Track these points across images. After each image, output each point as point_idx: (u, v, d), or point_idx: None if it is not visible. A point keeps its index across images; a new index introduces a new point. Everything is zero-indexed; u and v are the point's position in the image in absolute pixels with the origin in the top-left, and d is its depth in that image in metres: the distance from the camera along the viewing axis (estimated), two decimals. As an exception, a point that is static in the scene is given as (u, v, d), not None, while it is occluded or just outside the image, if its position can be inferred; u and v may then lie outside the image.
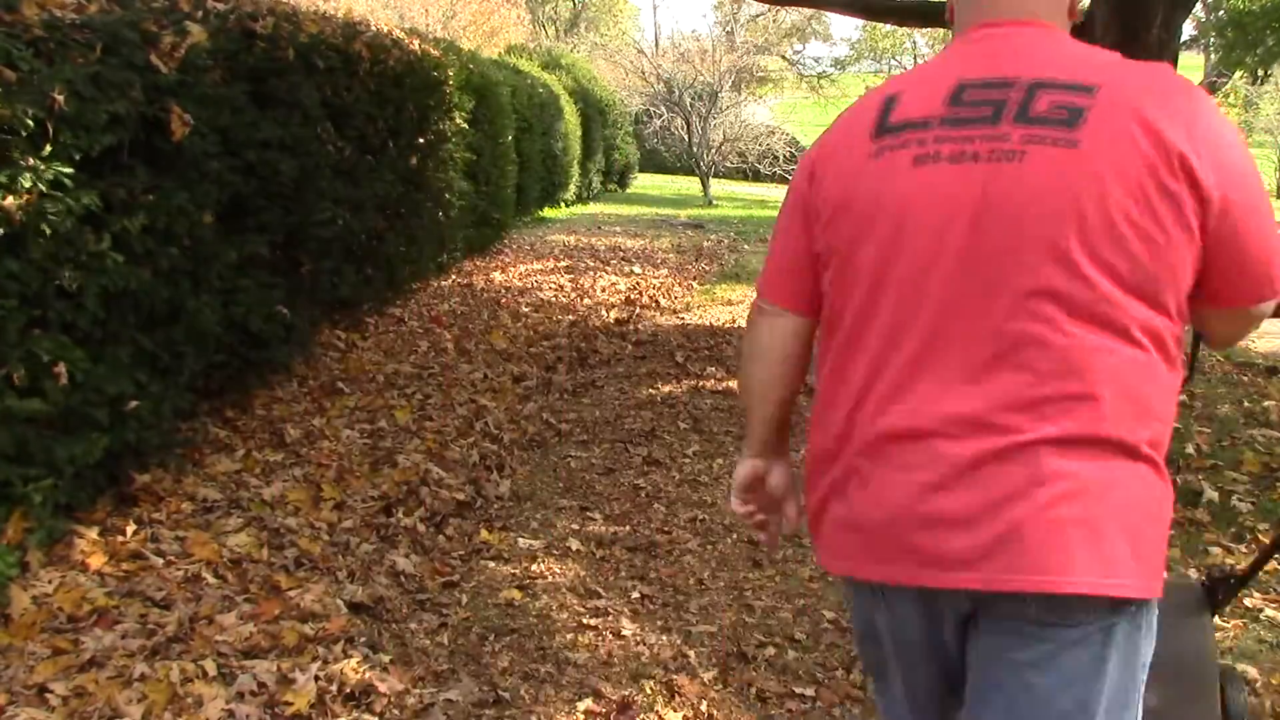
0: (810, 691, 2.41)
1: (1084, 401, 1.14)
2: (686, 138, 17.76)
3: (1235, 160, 1.19)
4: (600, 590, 2.92)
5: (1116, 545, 1.13)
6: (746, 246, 10.96)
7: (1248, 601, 2.85)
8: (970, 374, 1.17)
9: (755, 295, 1.46)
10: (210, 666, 2.37)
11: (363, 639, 2.59)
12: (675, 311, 7.18)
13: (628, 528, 3.38)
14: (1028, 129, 1.16)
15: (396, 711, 2.30)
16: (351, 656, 2.48)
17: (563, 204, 13.36)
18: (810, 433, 1.36)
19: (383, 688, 2.36)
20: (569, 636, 2.64)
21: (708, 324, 6.79)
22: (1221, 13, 19.90)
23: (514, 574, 3.05)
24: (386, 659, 2.51)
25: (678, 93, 17.56)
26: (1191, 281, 1.21)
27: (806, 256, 1.34)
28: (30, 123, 2.55)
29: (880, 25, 35.81)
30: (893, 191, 1.21)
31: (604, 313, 7.00)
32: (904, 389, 1.20)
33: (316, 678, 2.36)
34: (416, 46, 6.03)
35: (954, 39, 1.33)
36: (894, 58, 46.97)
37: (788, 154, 19.89)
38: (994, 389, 1.15)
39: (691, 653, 2.57)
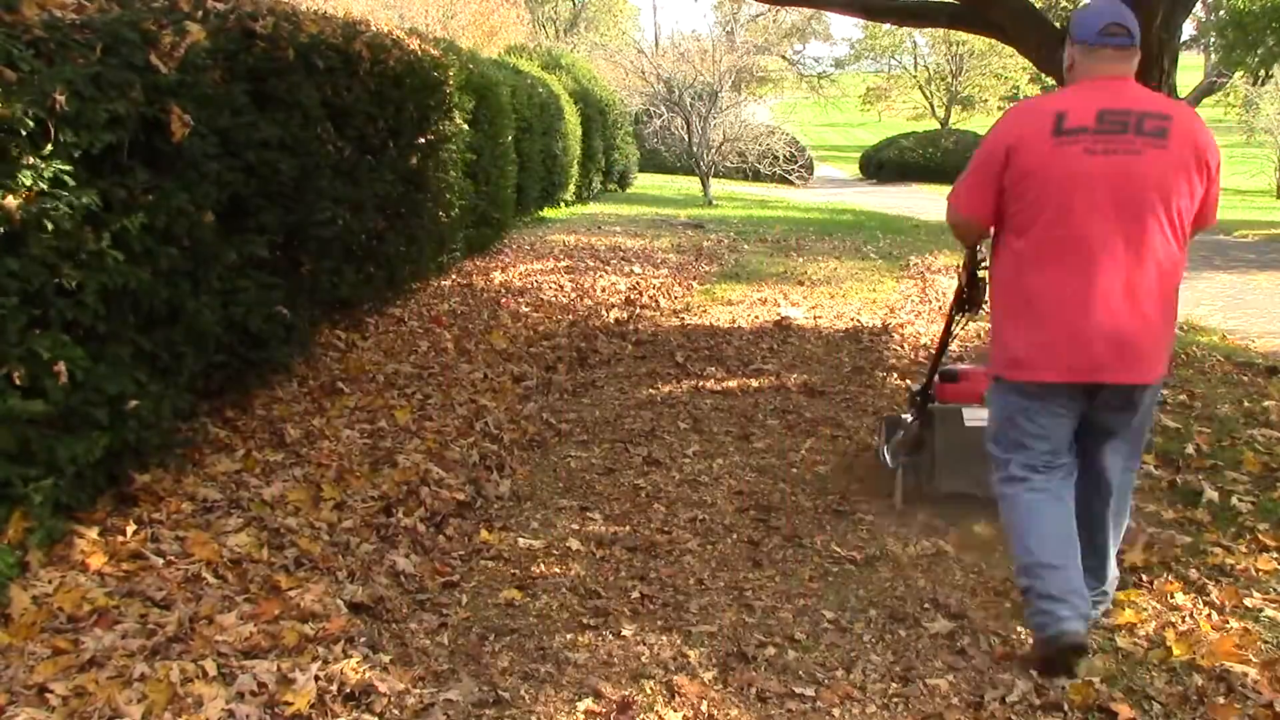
0: (810, 691, 2.41)
1: (1169, 273, 2.52)
2: (686, 138, 17.75)
3: (1218, 158, 2.50)
4: (600, 590, 2.92)
5: (1165, 354, 2.57)
6: (746, 246, 10.96)
7: (1248, 601, 2.85)
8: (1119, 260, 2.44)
9: (950, 196, 2.76)
10: (210, 666, 2.37)
11: (363, 639, 2.59)
12: (675, 311, 7.18)
13: (628, 528, 3.38)
14: (1143, 139, 2.42)
15: (396, 711, 2.30)
16: (351, 656, 2.48)
17: (563, 204, 13.36)
18: (1009, 298, 2.60)
19: (383, 688, 2.36)
20: (569, 636, 2.64)
21: (708, 324, 6.79)
22: (1221, 13, 19.89)
23: (514, 574, 3.05)
24: (386, 659, 2.51)
25: (678, 93, 17.56)
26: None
27: (992, 192, 2.57)
28: (31, 122, 2.55)
29: (880, 25, 35.78)
30: (1072, 168, 2.43)
31: (604, 313, 7.00)
32: (1086, 269, 2.44)
33: (316, 678, 2.36)
34: (416, 46, 6.03)
35: (1082, 82, 2.54)
36: (894, 57, 46.90)
37: (787, 154, 19.89)
38: (1131, 267, 2.46)
39: (691, 653, 2.57)
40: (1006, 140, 2.48)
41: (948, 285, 8.60)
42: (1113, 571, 2.73)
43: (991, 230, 2.68)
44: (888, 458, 3.59)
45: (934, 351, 3.62)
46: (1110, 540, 2.68)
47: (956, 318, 3.21)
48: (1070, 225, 2.42)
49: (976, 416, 3.24)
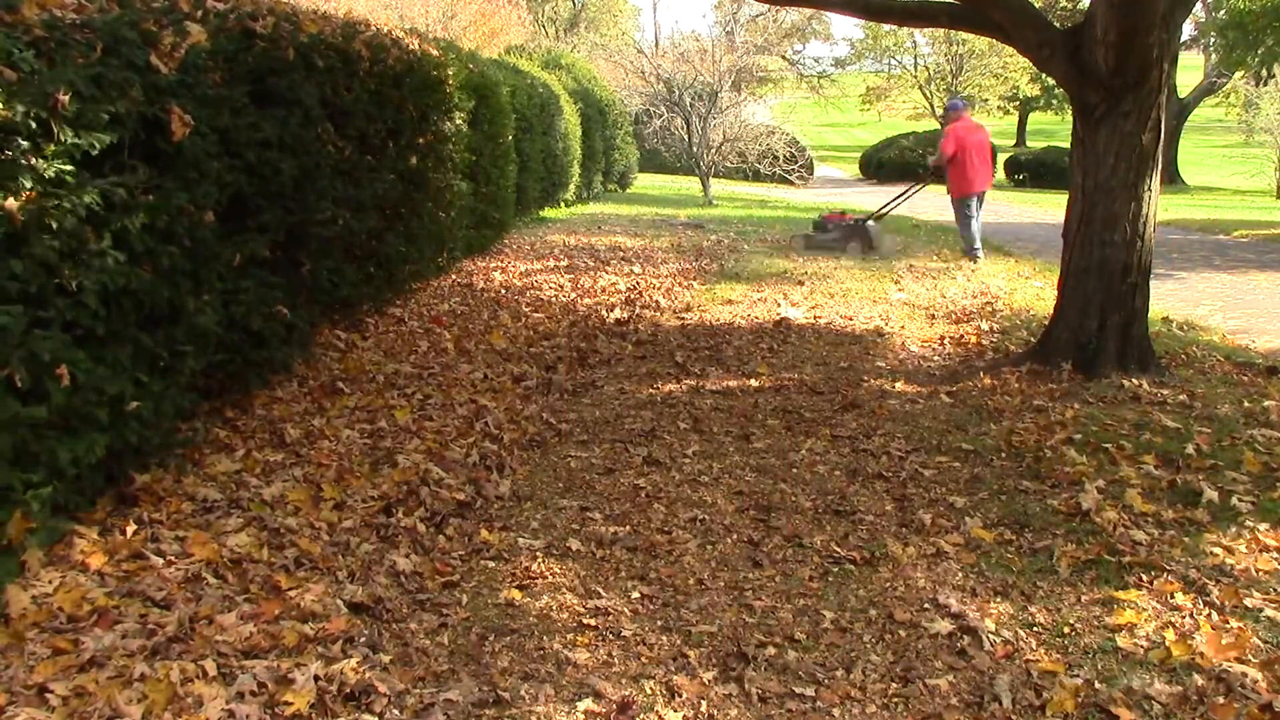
0: (810, 691, 2.41)
1: None
2: (686, 138, 17.75)
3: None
4: (600, 590, 2.92)
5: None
6: (746, 246, 10.96)
7: (1248, 601, 2.85)
8: None
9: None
10: (210, 666, 2.37)
11: (363, 639, 2.59)
12: (675, 311, 7.18)
13: (628, 528, 3.37)
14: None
15: (396, 711, 2.30)
16: (351, 656, 2.48)
17: (563, 204, 13.36)
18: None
19: (383, 688, 2.36)
20: (569, 636, 2.64)
21: (708, 324, 6.79)
22: (1222, 13, 19.89)
23: (514, 574, 3.05)
24: (386, 659, 2.51)
25: (678, 93, 17.56)
26: None
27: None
28: (32, 122, 2.55)
29: (880, 25, 35.78)
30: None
31: (604, 313, 7.00)
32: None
33: (316, 678, 2.36)
34: (416, 46, 6.03)
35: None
36: (894, 57, 46.92)
37: (787, 154, 19.88)
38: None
39: (691, 653, 2.57)
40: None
41: (947, 285, 8.60)
42: None
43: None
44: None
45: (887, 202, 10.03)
46: None
47: (916, 185, 9.86)
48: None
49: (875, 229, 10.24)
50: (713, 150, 17.60)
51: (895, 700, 2.40)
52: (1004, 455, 4.11)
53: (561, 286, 7.91)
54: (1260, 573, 3.04)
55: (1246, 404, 4.77)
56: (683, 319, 6.93)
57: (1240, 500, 3.55)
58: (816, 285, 8.49)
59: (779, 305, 7.52)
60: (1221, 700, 2.37)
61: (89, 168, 2.79)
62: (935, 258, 10.41)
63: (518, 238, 10.39)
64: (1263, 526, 3.34)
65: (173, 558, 2.88)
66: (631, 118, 19.12)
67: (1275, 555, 3.15)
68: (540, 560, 3.13)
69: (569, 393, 5.02)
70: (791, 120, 23.52)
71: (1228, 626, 2.72)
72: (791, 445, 4.26)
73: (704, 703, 2.35)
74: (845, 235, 10.58)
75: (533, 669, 2.51)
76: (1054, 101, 39.31)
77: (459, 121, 6.98)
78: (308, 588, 2.80)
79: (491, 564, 3.12)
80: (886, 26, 36.21)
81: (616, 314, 6.96)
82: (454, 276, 7.80)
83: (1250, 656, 2.55)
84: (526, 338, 6.10)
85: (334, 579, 2.90)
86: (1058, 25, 5.62)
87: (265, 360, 4.16)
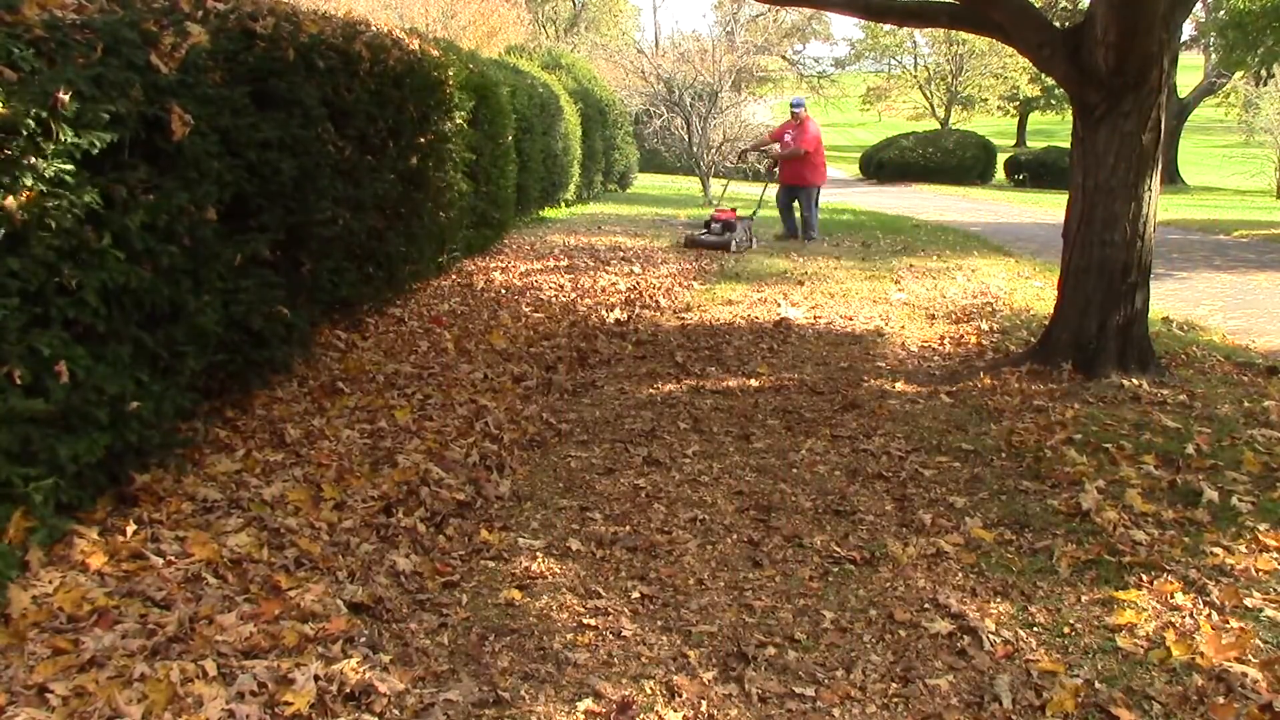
0: (810, 691, 2.41)
1: None
2: (686, 138, 17.75)
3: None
4: (600, 590, 2.92)
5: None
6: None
7: (1248, 601, 2.85)
8: None
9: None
10: (210, 667, 2.37)
11: (363, 639, 2.59)
12: (675, 311, 7.18)
13: (628, 528, 3.37)
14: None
15: (396, 711, 2.30)
16: (351, 656, 2.48)
17: (563, 204, 13.35)
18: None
19: (383, 688, 2.36)
20: (569, 636, 2.64)
21: (708, 324, 6.79)
22: (1222, 13, 19.89)
23: (514, 574, 3.05)
24: (386, 659, 2.51)
25: (678, 93, 17.56)
26: None
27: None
28: (32, 122, 2.55)
29: (881, 25, 35.77)
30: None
31: (604, 313, 7.00)
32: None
33: (316, 678, 2.36)
34: (416, 46, 6.03)
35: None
36: (894, 57, 46.92)
37: (788, 154, 19.86)
38: None
39: (691, 653, 2.57)
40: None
41: (947, 285, 8.60)
42: None
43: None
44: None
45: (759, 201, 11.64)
46: None
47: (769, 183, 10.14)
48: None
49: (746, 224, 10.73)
50: (713, 150, 17.60)
51: (895, 700, 2.40)
52: (1004, 455, 4.11)
53: (561, 286, 7.91)
54: (1260, 573, 3.04)
55: (1246, 404, 4.77)
56: (683, 319, 6.93)
57: (1240, 500, 3.55)
58: (816, 285, 8.49)
59: (779, 305, 7.52)
60: (1221, 700, 2.37)
61: (89, 167, 2.79)
62: (935, 258, 10.41)
63: (518, 238, 10.39)
64: (1263, 526, 3.34)
65: (173, 558, 2.88)
66: (631, 118, 19.12)
67: (1275, 555, 3.15)
68: (540, 560, 3.13)
69: (569, 393, 5.02)
70: (791, 120, 23.47)
71: (1228, 626, 2.72)
72: (791, 445, 4.26)
73: (704, 703, 2.35)
74: (720, 232, 10.58)
75: (533, 669, 2.51)
76: (1054, 101, 39.31)
77: (459, 121, 6.98)
78: (308, 588, 2.80)
79: (491, 564, 3.12)
80: (886, 26, 36.21)
81: (616, 314, 6.96)
82: (454, 276, 7.80)
83: (1250, 656, 2.56)
84: (526, 338, 6.10)
85: (334, 579, 2.90)
86: (1058, 25, 5.62)
87: (265, 360, 4.16)
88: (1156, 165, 5.21)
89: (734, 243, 10.37)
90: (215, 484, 3.43)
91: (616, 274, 8.65)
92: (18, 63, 2.55)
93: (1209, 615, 2.79)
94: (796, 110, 11.60)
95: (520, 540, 3.27)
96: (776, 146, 11.75)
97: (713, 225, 10.68)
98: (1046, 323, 5.80)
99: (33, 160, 2.58)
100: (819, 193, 11.72)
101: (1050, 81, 25.56)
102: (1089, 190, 5.24)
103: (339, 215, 4.88)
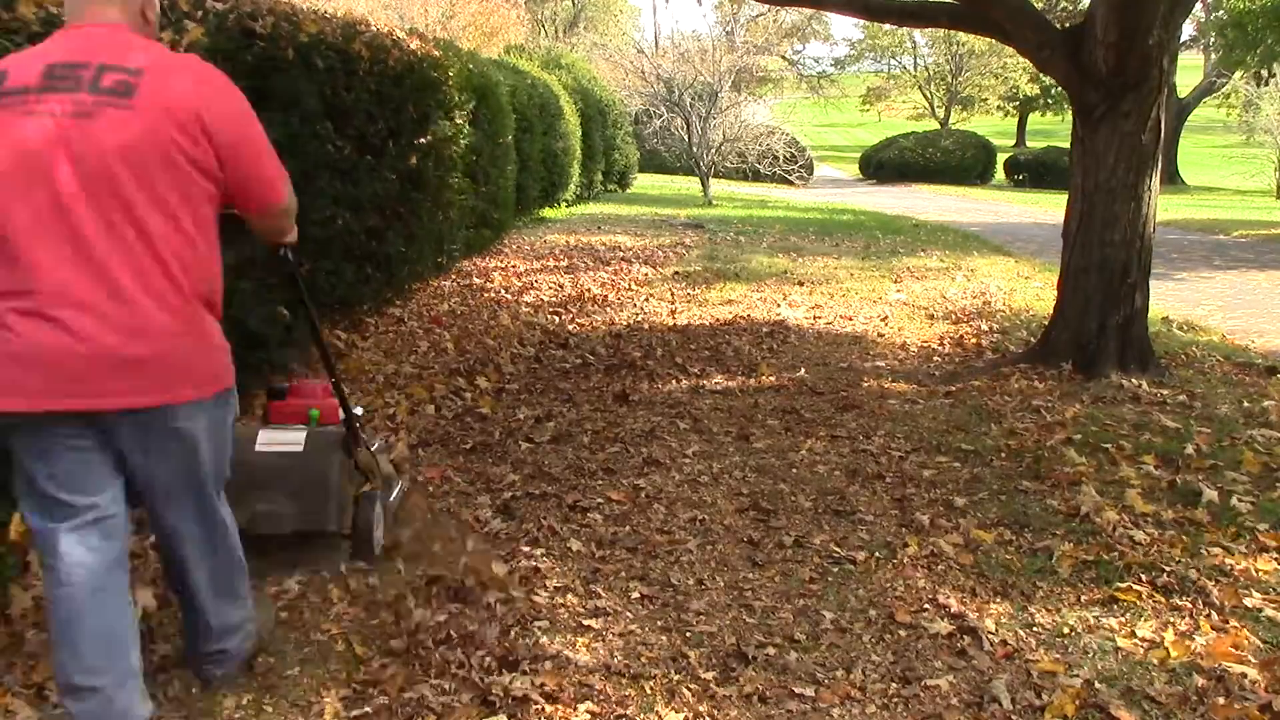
0: (810, 691, 2.41)
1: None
2: (686, 138, 17.75)
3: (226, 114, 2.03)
4: (600, 590, 2.91)
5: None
6: (746, 246, 10.96)
7: (1248, 601, 2.85)
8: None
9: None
10: (210, 666, 2.36)
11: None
12: (675, 312, 7.18)
13: (628, 528, 3.37)
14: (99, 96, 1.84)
15: (396, 709, 2.30)
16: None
17: (563, 204, 13.36)
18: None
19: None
20: (569, 636, 2.64)
21: (708, 324, 6.79)
22: (1221, 13, 19.91)
23: (514, 573, 3.04)
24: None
25: (678, 93, 17.56)
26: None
27: None
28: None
29: (880, 25, 35.79)
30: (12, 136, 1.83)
31: (604, 312, 7.00)
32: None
33: (316, 678, 2.36)
34: (416, 46, 6.03)
35: (56, 32, 2.00)
36: (894, 57, 46.94)
37: (787, 154, 19.89)
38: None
39: (691, 653, 2.57)
40: None
41: (947, 285, 8.61)
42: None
43: None
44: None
45: None
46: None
47: None
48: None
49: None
50: (713, 150, 17.60)
51: (895, 700, 2.39)
52: (1004, 455, 4.11)
53: (561, 286, 7.91)
54: (1260, 573, 3.04)
55: (1246, 404, 4.78)
56: (683, 319, 6.93)
57: (1240, 500, 3.55)
58: (816, 285, 8.49)
59: (779, 305, 7.52)
60: (1221, 700, 2.36)
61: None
62: (935, 258, 10.42)
63: (518, 238, 10.39)
64: (1263, 526, 3.34)
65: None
66: (631, 118, 19.12)
67: (1275, 555, 3.15)
68: (540, 560, 3.12)
69: (569, 393, 5.02)
70: (791, 120, 23.51)
71: (1228, 626, 2.72)
72: (791, 445, 4.25)
73: (704, 703, 2.34)
74: None
75: (532, 668, 2.50)
76: (1054, 101, 39.32)
77: (459, 121, 6.98)
78: (307, 588, 2.80)
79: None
80: (886, 26, 36.22)
81: (616, 314, 6.96)
82: (454, 276, 7.80)
83: (1250, 656, 2.55)
84: (526, 338, 6.10)
85: (334, 579, 2.90)
86: (1058, 25, 5.62)
87: (264, 361, 4.15)
88: (1156, 165, 5.21)
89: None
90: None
91: (616, 274, 8.65)
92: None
93: (1209, 615, 2.79)
94: None
95: (520, 540, 3.27)
96: None
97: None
98: (1046, 323, 5.80)
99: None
100: None
101: (1050, 81, 25.58)
102: (1089, 190, 5.24)
103: (338, 215, 4.88)
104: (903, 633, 2.71)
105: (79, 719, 1.93)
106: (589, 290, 7.81)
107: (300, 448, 2.77)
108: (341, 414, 2.87)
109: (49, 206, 1.80)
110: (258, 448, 2.75)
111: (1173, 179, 27.01)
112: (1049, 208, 17.62)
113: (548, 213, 12.71)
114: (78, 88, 1.83)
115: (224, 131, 1.96)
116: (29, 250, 1.80)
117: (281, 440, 2.79)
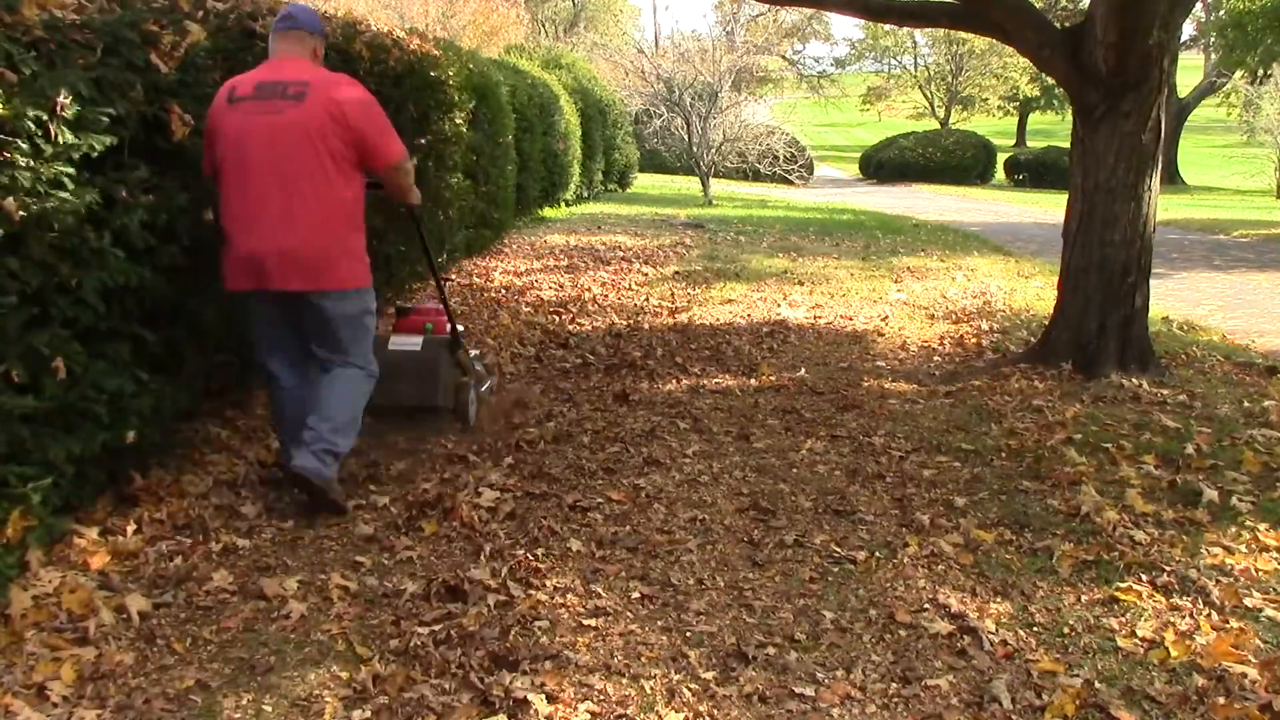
0: (810, 691, 2.41)
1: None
2: (686, 138, 17.74)
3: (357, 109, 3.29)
4: (600, 590, 2.92)
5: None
6: (746, 246, 10.96)
7: (1248, 601, 2.85)
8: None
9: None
10: (210, 666, 2.36)
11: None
12: (675, 311, 7.18)
13: (628, 528, 3.37)
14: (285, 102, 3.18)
15: (395, 707, 2.30)
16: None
17: (563, 204, 13.36)
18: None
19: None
20: (569, 637, 2.64)
21: (708, 324, 6.79)
22: (1221, 13, 19.91)
23: (514, 573, 3.04)
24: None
25: (678, 93, 17.55)
26: None
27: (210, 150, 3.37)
28: (31, 124, 2.54)
29: (880, 25, 35.79)
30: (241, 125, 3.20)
31: (604, 313, 7.00)
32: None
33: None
34: (416, 46, 6.02)
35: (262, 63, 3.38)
36: (894, 57, 46.93)
37: (787, 154, 19.88)
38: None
39: (691, 653, 2.57)
40: (209, 113, 3.26)
41: (947, 285, 8.61)
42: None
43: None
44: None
45: None
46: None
47: None
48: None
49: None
50: (713, 150, 17.59)
51: (895, 700, 2.39)
52: (1004, 455, 4.11)
53: (561, 286, 7.91)
54: (1260, 573, 3.04)
55: (1246, 404, 4.78)
56: (683, 319, 6.93)
57: (1240, 500, 3.55)
58: (816, 285, 8.49)
59: (779, 305, 7.52)
60: (1221, 700, 2.37)
61: (89, 168, 2.79)
62: (935, 258, 10.42)
63: (518, 237, 10.39)
64: (1263, 526, 3.34)
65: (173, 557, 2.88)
66: (631, 118, 19.11)
67: (1275, 555, 3.15)
68: (540, 560, 3.12)
69: (568, 393, 5.02)
70: (791, 120, 23.50)
71: (1228, 626, 2.72)
72: (791, 445, 4.26)
73: (704, 703, 2.35)
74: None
75: (532, 668, 2.50)
76: (1054, 101, 39.33)
77: (459, 121, 6.97)
78: (308, 588, 2.80)
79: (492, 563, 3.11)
80: (886, 26, 36.22)
81: (617, 314, 6.96)
82: (454, 276, 7.80)
83: (1250, 656, 2.55)
84: (526, 338, 6.10)
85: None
86: (1058, 25, 5.62)
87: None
88: (1156, 165, 5.21)
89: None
90: (214, 484, 3.42)
91: (616, 274, 8.65)
92: (18, 64, 2.55)
93: (1209, 615, 2.79)
94: None
95: (520, 540, 3.27)
96: None
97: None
98: (1046, 323, 5.81)
99: (32, 162, 2.57)
100: None
101: (1050, 81, 25.59)
102: (1089, 190, 5.24)
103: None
104: (903, 632, 2.71)
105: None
106: (589, 290, 7.81)
107: (419, 349, 3.99)
108: (448, 327, 4.15)
109: (261, 164, 3.10)
110: (390, 348, 3.96)
111: (1173, 179, 27.01)
112: (1049, 207, 17.62)
113: (548, 212, 12.71)
114: (274, 96, 3.13)
115: (356, 118, 3.18)
116: (248, 191, 3.12)
117: (406, 343, 4.03)
